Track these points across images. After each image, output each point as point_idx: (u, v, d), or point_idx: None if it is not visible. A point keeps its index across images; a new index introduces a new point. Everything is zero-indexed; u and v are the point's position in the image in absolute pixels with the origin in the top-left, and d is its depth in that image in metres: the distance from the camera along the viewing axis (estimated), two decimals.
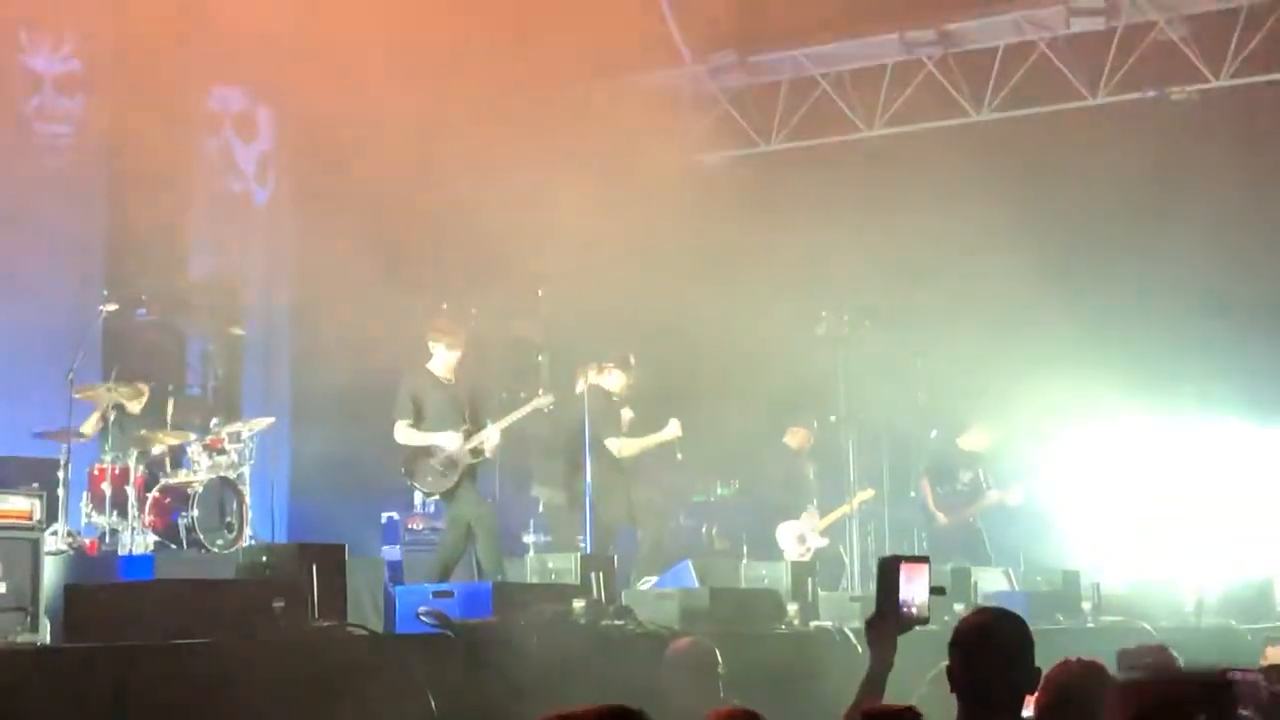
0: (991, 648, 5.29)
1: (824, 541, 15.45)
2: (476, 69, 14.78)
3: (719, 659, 8.72)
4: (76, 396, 12.46)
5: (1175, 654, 6.95)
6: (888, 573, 5.64)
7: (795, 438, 16.01)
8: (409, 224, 14.66)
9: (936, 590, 5.76)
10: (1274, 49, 16.09)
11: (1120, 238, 16.60)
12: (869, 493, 15.52)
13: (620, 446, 13.54)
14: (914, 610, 5.62)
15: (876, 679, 5.56)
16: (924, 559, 5.77)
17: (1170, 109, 16.61)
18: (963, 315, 16.22)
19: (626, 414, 13.88)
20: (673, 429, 13.82)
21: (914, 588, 5.61)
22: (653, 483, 14.22)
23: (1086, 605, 13.59)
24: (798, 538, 15.37)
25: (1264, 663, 7.96)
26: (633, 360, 13.90)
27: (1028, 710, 5.48)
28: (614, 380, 13.77)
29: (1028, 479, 16.27)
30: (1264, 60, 16.17)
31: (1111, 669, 5.81)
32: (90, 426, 12.63)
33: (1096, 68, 16.88)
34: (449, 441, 12.36)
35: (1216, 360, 16.39)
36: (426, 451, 12.42)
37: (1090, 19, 16.64)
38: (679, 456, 14.02)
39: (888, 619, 5.59)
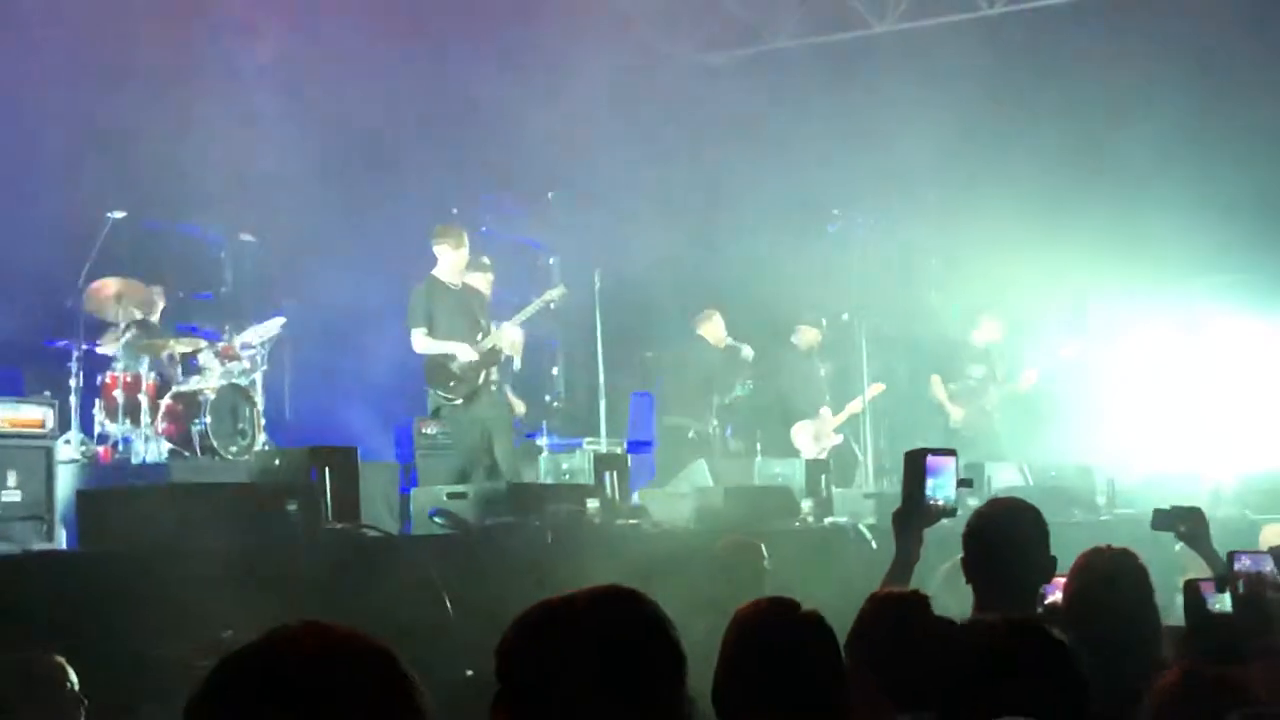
0: (1006, 538, 5.30)
1: (839, 439, 15.45)
2: None
3: (765, 553, 8.76)
4: (86, 307, 12.47)
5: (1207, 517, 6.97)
6: (915, 466, 5.63)
7: (805, 337, 15.94)
8: (418, 128, 14.58)
9: (964, 483, 5.77)
10: None
11: (1132, 127, 16.47)
12: (879, 387, 15.50)
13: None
14: (940, 503, 5.63)
15: (902, 570, 5.58)
16: (951, 451, 5.77)
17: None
18: (976, 210, 16.14)
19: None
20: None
21: (941, 480, 5.62)
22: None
23: (1100, 499, 13.62)
24: (814, 436, 15.37)
25: (1264, 545, 7.97)
26: (486, 260, 13.68)
27: (1055, 596, 5.48)
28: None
29: (1039, 366, 16.27)
30: None
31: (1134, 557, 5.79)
32: (110, 343, 12.59)
33: None
34: (465, 352, 12.34)
35: (1233, 249, 16.34)
36: (448, 357, 12.41)
37: None
38: (516, 367, 13.88)
39: (914, 512, 5.59)
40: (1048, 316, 16.51)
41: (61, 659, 5.69)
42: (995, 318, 16.32)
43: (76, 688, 5.69)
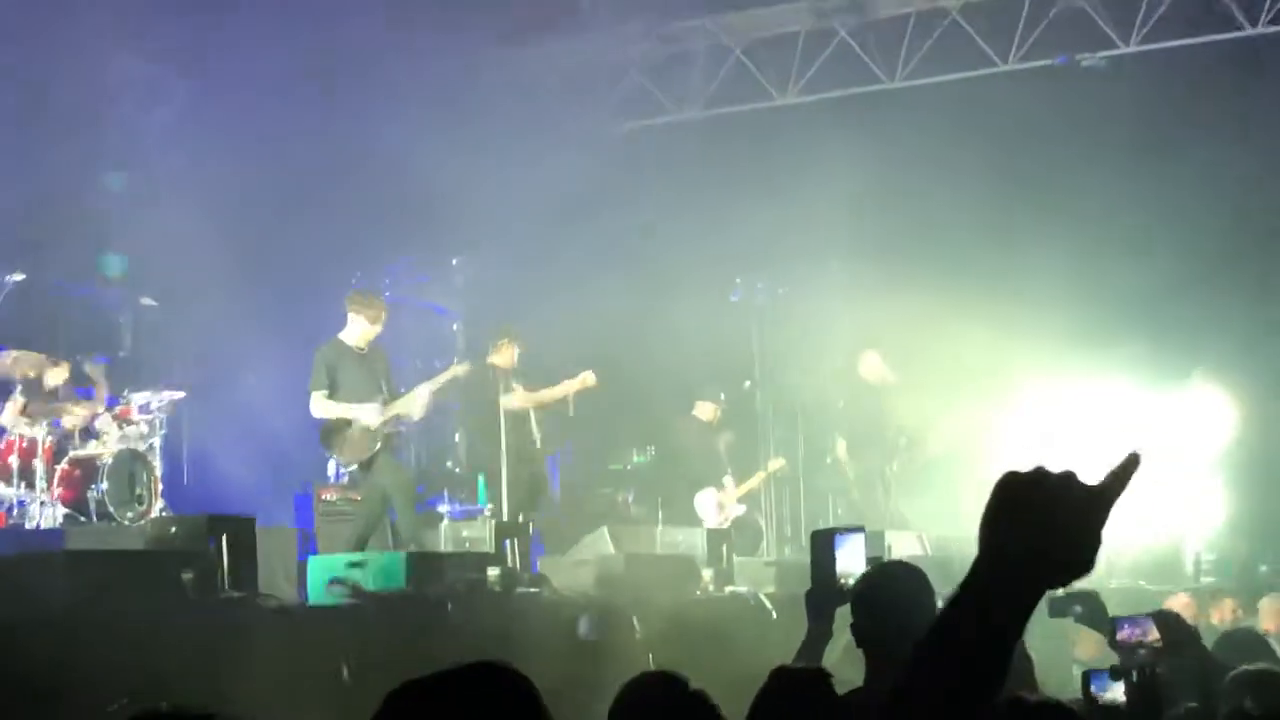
0: (892, 599, 5.28)
1: (742, 509, 15.45)
2: (387, 34, 14.69)
3: (635, 625, 8.74)
4: None
5: (1104, 601, 7.05)
6: (823, 545, 5.62)
7: (704, 411, 15.89)
8: (321, 192, 14.56)
9: (873, 560, 5.74)
10: (1182, 15, 16.22)
11: (1030, 202, 16.72)
12: (780, 462, 15.55)
13: (510, 400, 13.52)
14: (850, 581, 5.60)
15: (813, 649, 5.53)
16: (859, 529, 5.75)
17: (1080, 75, 16.73)
18: (877, 281, 16.28)
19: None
20: (580, 379, 13.87)
21: (849, 559, 5.60)
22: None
23: None
24: (717, 505, 15.34)
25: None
26: (514, 332, 13.89)
27: None
28: (502, 357, 13.73)
29: (944, 436, 16.36)
30: (1172, 26, 16.30)
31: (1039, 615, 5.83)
32: (11, 414, 12.37)
33: (1007, 34, 16.95)
34: (368, 415, 12.22)
35: (1140, 325, 16.57)
36: (345, 422, 12.30)
37: None
38: (571, 413, 14.03)
39: (825, 591, 5.57)
40: (950, 385, 16.62)
41: None
42: (877, 354, 16.25)
43: None
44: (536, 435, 13.94)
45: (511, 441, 13.37)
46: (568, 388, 13.94)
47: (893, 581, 5.39)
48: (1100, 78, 16.64)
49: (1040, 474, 2.20)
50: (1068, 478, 2.19)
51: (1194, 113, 16.19)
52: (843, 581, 5.61)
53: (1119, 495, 2.16)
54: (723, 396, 15.80)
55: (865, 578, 5.44)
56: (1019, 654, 5.54)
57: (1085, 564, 2.22)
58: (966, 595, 2.22)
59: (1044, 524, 2.16)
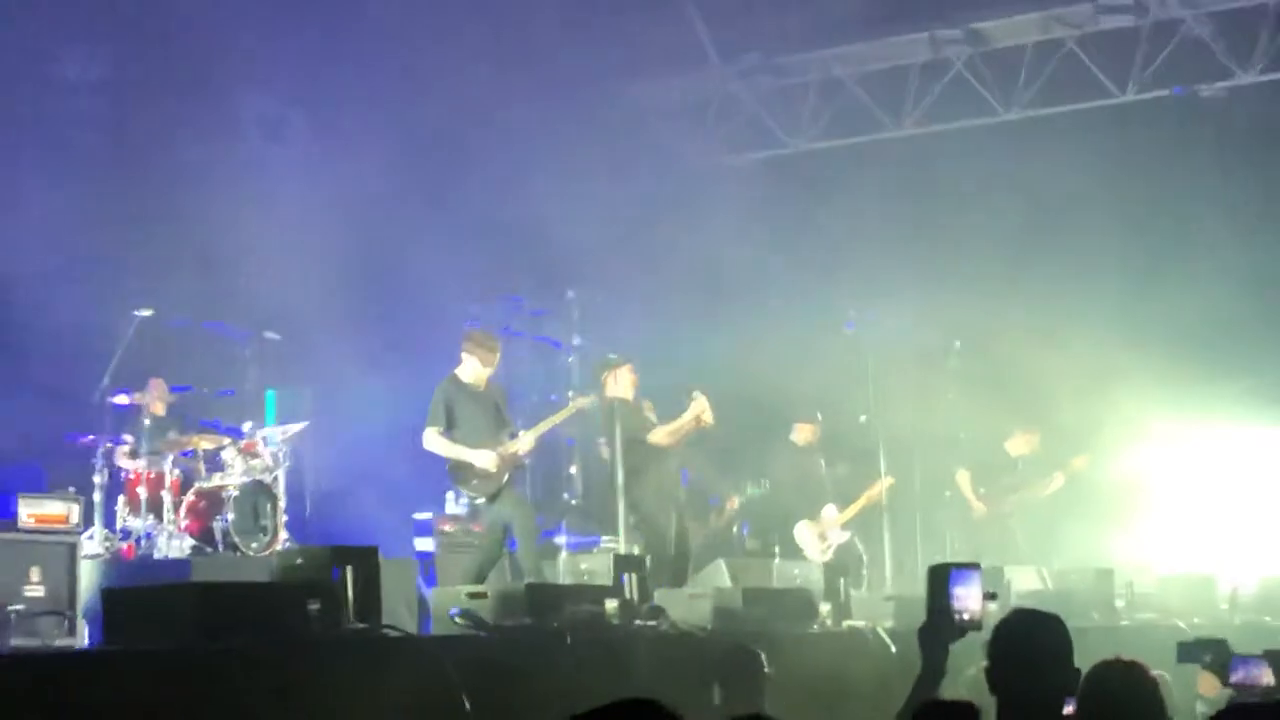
0: (1030, 649, 5.29)
1: (846, 536, 15.30)
2: (506, 66, 14.88)
3: (765, 663, 8.72)
4: (113, 400, 12.58)
5: (1232, 647, 6.98)
6: (938, 579, 5.61)
7: (802, 434, 15.80)
8: (439, 226, 14.73)
9: (990, 596, 5.73)
10: None
11: (1153, 234, 16.59)
12: (888, 480, 15.30)
13: (654, 435, 13.54)
14: (966, 616, 5.59)
15: (929, 685, 5.51)
16: (975, 565, 5.74)
17: (1198, 105, 16.59)
18: (994, 314, 16.20)
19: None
20: (697, 403, 13.64)
21: (966, 594, 5.59)
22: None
23: (1120, 603, 13.56)
24: (818, 535, 15.23)
25: None
26: (613, 356, 13.80)
27: (1069, 708, 5.48)
28: (620, 387, 13.70)
29: (1064, 469, 16.22)
30: None
31: (1149, 667, 5.81)
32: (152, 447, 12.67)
33: (1124, 65, 16.87)
34: (482, 460, 12.27)
35: (1255, 360, 16.38)
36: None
37: (1118, 16, 16.67)
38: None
39: (940, 626, 5.57)
40: (1073, 427, 16.49)
41: None
42: (1031, 431, 16.27)
43: None
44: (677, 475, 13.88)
45: (657, 482, 13.42)
46: (691, 413, 13.60)
47: (1036, 631, 5.39)
48: (1218, 108, 16.50)
49: None
50: None
51: None
52: (959, 617, 5.60)
53: None
54: (820, 416, 15.66)
55: (1004, 623, 5.43)
56: (1149, 695, 5.53)
57: None
58: None
59: None
